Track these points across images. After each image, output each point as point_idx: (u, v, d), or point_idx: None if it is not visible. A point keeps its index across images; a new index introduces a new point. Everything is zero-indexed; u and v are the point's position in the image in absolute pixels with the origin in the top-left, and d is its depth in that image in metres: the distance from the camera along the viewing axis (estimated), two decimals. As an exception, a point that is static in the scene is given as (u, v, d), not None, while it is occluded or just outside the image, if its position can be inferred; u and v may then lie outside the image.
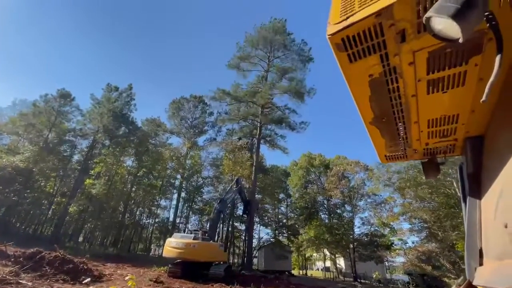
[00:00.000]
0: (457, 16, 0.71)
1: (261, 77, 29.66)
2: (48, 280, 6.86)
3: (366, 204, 33.98)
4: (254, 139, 35.51)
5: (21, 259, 7.53)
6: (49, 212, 31.57)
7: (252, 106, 28.29)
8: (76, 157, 35.58)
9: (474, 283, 1.27)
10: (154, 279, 9.78)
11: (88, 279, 5.64)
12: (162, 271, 13.61)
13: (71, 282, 7.29)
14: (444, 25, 0.78)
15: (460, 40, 0.75)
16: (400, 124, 1.49)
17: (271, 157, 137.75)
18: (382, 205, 29.91)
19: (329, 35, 1.05)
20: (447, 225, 21.29)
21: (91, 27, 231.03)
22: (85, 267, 8.79)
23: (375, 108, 1.38)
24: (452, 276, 19.46)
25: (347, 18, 1.01)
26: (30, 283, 6.14)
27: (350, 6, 1.02)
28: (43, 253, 8.13)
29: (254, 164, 26.55)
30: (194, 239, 12.59)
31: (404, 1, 0.89)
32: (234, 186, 18.28)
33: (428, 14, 0.78)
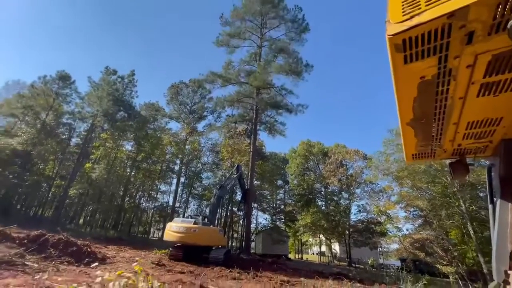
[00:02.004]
0: None
1: (254, 54, 27.57)
2: (53, 262, 6.96)
3: (363, 192, 34.54)
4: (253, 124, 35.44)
5: (25, 241, 7.61)
6: (49, 195, 31.80)
7: (247, 87, 26.67)
8: (74, 140, 35.43)
9: None
10: (156, 262, 9.98)
11: (96, 263, 5.71)
12: (163, 254, 13.90)
13: (76, 264, 7.41)
14: None
15: None
16: (438, 125, 1.48)
17: (270, 144, 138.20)
18: (380, 193, 30.35)
19: (389, 35, 0.99)
20: (442, 214, 21.75)
21: (87, 7, 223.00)
22: (89, 249, 8.94)
23: (417, 109, 1.36)
24: (444, 262, 20.10)
25: (412, 17, 0.94)
26: (36, 265, 6.23)
27: (415, 4, 0.95)
28: (46, 236, 8.22)
29: (251, 150, 25.89)
30: (194, 223, 12.78)
31: (484, 2, 0.84)
32: (235, 173, 18.35)
33: None
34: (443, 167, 21.45)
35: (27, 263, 6.20)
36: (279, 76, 26.78)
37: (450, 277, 19.66)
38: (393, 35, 0.98)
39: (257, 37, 27.30)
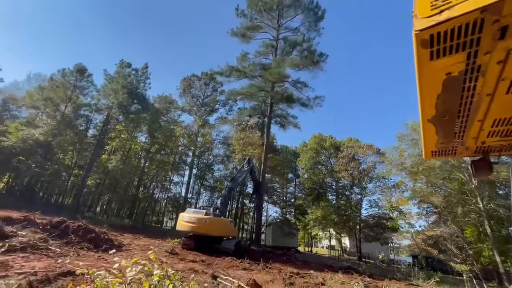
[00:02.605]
0: None
1: (271, 46, 27.01)
2: (74, 247, 7.36)
3: (376, 187, 33.99)
4: (265, 118, 35.34)
5: (48, 227, 8.06)
6: (69, 183, 33.28)
7: (262, 81, 26.36)
8: (91, 132, 36.70)
9: None
10: (170, 251, 10.34)
11: (113, 250, 6.01)
12: (176, 243, 14.35)
13: (94, 250, 7.81)
14: None
15: None
16: (461, 122, 1.43)
17: (281, 137, 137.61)
18: (392, 189, 29.78)
19: (416, 30, 0.95)
20: (458, 211, 21.13)
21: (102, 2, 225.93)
22: (106, 236, 9.37)
23: (440, 106, 1.31)
24: (458, 260, 19.66)
25: (441, 12, 0.90)
26: (58, 249, 6.62)
27: None
28: (67, 222, 8.68)
29: (265, 143, 25.95)
30: (206, 214, 13.06)
31: None
32: (246, 166, 18.48)
33: None
34: (460, 163, 20.75)
35: (50, 247, 6.59)
36: (294, 70, 26.22)
37: (464, 275, 19.24)
38: (421, 30, 0.94)
39: (273, 29, 26.84)
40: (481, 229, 20.58)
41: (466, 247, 20.02)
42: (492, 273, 19.54)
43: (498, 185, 20.43)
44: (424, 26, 0.93)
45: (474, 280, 18.58)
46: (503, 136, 1.56)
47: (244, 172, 18.19)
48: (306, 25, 25.67)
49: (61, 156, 31.85)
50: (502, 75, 1.09)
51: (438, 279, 13.73)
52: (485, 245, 20.52)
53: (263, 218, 34.37)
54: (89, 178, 29.05)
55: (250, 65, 26.34)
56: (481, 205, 19.35)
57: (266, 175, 27.26)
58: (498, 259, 17.52)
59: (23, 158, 26.14)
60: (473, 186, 19.54)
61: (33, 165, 26.45)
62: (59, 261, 5.51)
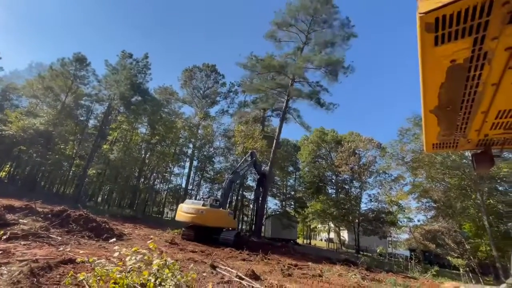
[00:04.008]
0: None
1: (297, 48, 28.03)
2: (75, 236, 7.43)
3: (375, 182, 34.08)
4: (267, 111, 35.22)
5: (49, 215, 8.12)
6: (70, 173, 33.48)
7: (283, 78, 27.43)
8: (92, 122, 36.65)
9: None
10: (170, 241, 10.45)
11: (114, 239, 6.06)
12: (176, 234, 14.50)
13: (95, 239, 7.88)
14: None
15: None
16: (464, 113, 1.37)
17: (283, 130, 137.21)
18: (392, 183, 29.87)
19: (421, 13, 0.89)
20: (457, 206, 21.24)
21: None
22: (107, 226, 9.45)
23: (443, 96, 1.25)
24: (455, 255, 19.89)
25: None
26: (59, 238, 6.68)
27: None
28: (68, 211, 8.74)
29: (275, 137, 26.77)
30: (203, 205, 13.24)
31: None
32: (249, 158, 18.45)
33: None
34: (461, 159, 20.73)
35: (51, 235, 6.65)
36: (315, 74, 27.90)
37: (461, 269, 19.50)
38: (426, 13, 0.88)
39: (303, 35, 27.61)
40: (479, 224, 20.71)
41: (463, 241, 20.22)
42: (488, 267, 19.78)
43: (499, 181, 20.44)
44: (429, 8, 0.88)
45: (470, 274, 18.87)
46: (507, 129, 1.51)
47: (246, 165, 18.24)
48: (335, 41, 26.37)
49: (62, 146, 31.91)
50: (510, 62, 1.03)
51: (434, 273, 13.91)
52: (482, 240, 20.70)
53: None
54: (90, 168, 29.16)
55: (276, 61, 27.15)
56: (480, 201, 19.43)
57: (267, 167, 27.61)
58: (495, 254, 17.69)
59: (24, 148, 26.20)
60: (473, 181, 19.57)
61: (34, 155, 26.54)
62: (60, 249, 5.56)
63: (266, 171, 23.01)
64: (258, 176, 21.72)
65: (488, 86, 1.17)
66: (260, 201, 24.22)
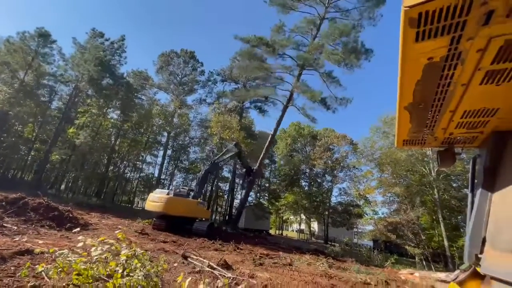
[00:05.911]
0: None
1: (313, 24, 22.96)
2: (34, 225, 6.90)
3: (346, 176, 35.78)
4: (245, 103, 35.04)
5: (3, 203, 7.44)
6: (29, 158, 30.84)
7: (289, 62, 23.36)
8: (55, 104, 33.80)
9: (484, 272, 1.34)
10: (140, 231, 10.12)
11: (78, 229, 5.71)
12: (147, 224, 14.10)
13: (57, 229, 7.39)
14: None
15: None
16: (434, 111, 1.43)
17: (259, 122, 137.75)
18: (361, 178, 31.54)
19: (406, 7, 0.89)
20: (416, 200, 23.09)
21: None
22: (70, 215, 8.91)
23: (417, 93, 1.28)
24: (412, 244, 21.72)
25: None
26: (15, 227, 6.16)
27: None
28: (26, 199, 8.08)
29: (272, 132, 24.83)
30: (167, 194, 13.01)
31: None
32: (234, 150, 17.95)
33: None
34: (423, 157, 22.43)
35: (6, 225, 6.11)
36: (328, 64, 22.83)
37: (416, 257, 21.40)
38: (411, 6, 0.89)
39: (321, 4, 22.82)
40: (434, 217, 22.77)
41: (420, 232, 22.11)
42: (440, 256, 21.92)
43: (453, 178, 22.51)
44: (414, 2, 0.88)
45: (424, 262, 20.77)
46: (469, 128, 1.59)
47: (229, 156, 17.93)
48: (361, 10, 21.43)
49: (19, 128, 29.15)
50: (479, 64, 1.07)
51: (393, 261, 15.07)
52: (436, 232, 22.83)
53: (236, 201, 34.87)
54: (53, 153, 27.04)
55: (283, 40, 22.86)
56: (437, 196, 21.30)
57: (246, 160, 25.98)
58: (446, 244, 19.61)
59: (-26, 128, 23.56)
60: (432, 178, 21.33)
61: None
62: (16, 239, 5.13)
63: (254, 166, 21.56)
64: (244, 169, 20.81)
65: (459, 86, 1.21)
66: (244, 195, 24.00)
